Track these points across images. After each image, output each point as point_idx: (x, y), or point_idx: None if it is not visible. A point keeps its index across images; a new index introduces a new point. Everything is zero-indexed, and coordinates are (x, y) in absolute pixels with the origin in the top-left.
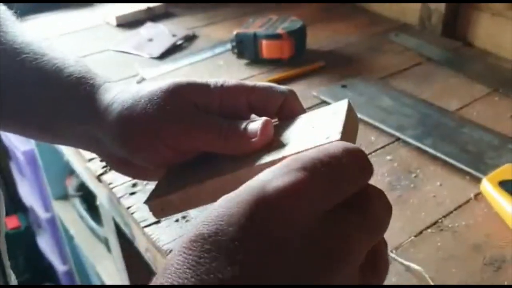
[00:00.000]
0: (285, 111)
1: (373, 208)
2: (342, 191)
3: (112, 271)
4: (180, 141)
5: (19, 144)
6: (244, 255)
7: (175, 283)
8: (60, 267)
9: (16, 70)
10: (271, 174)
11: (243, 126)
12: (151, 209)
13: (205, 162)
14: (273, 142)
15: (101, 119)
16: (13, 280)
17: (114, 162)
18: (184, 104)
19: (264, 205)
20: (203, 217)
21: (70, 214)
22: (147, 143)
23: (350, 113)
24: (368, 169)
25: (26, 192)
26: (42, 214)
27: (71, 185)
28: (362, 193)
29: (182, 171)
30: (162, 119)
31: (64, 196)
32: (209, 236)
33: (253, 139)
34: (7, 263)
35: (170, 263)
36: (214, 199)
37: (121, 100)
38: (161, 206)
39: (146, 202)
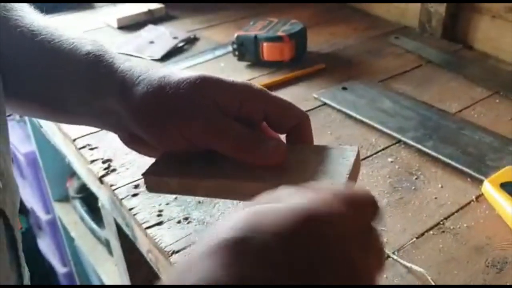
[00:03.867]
0: (296, 133)
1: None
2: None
3: (113, 273)
4: (197, 137)
5: (20, 146)
6: (275, 260)
7: (204, 283)
8: (60, 269)
9: (34, 51)
10: (310, 199)
11: (260, 141)
12: (146, 183)
13: (210, 156)
14: (281, 165)
15: (124, 97)
16: (27, 279)
17: (126, 137)
18: (207, 101)
19: (307, 222)
20: (230, 222)
21: (70, 216)
22: (165, 130)
23: (357, 159)
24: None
25: (27, 194)
26: (42, 216)
27: (71, 186)
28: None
29: (187, 156)
30: (184, 112)
31: (64, 198)
32: (240, 241)
33: (265, 158)
34: (23, 263)
35: (193, 266)
36: (207, 195)
37: (147, 82)
38: (157, 183)
39: (144, 174)
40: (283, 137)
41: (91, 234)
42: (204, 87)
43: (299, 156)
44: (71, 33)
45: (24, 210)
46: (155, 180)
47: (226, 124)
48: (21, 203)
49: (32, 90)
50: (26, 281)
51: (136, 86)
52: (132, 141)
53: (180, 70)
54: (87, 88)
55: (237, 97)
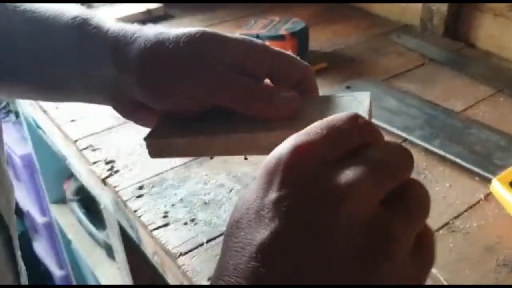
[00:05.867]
0: (302, 86)
1: (413, 196)
2: (343, 143)
3: (112, 275)
4: (205, 93)
5: (16, 148)
6: (270, 220)
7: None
8: (56, 272)
9: (17, 22)
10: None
11: (272, 92)
12: (149, 147)
13: (216, 114)
14: (296, 115)
15: (119, 58)
16: (24, 278)
17: (124, 106)
18: (211, 55)
19: (278, 171)
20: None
21: (68, 218)
22: (168, 88)
23: (370, 103)
24: (367, 126)
25: (22, 197)
26: (39, 218)
27: (69, 189)
28: (402, 185)
29: (189, 117)
30: (189, 67)
31: (61, 200)
32: (240, 219)
33: (278, 109)
34: (20, 262)
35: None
36: (218, 153)
37: (143, 39)
38: (161, 147)
39: (146, 139)
40: None
41: (89, 237)
42: (206, 41)
43: (311, 105)
44: (54, 4)
45: (19, 213)
46: (159, 144)
47: (235, 77)
48: (16, 205)
49: (19, 66)
50: (24, 280)
51: (131, 45)
52: (130, 109)
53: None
54: (78, 53)
55: (241, 50)
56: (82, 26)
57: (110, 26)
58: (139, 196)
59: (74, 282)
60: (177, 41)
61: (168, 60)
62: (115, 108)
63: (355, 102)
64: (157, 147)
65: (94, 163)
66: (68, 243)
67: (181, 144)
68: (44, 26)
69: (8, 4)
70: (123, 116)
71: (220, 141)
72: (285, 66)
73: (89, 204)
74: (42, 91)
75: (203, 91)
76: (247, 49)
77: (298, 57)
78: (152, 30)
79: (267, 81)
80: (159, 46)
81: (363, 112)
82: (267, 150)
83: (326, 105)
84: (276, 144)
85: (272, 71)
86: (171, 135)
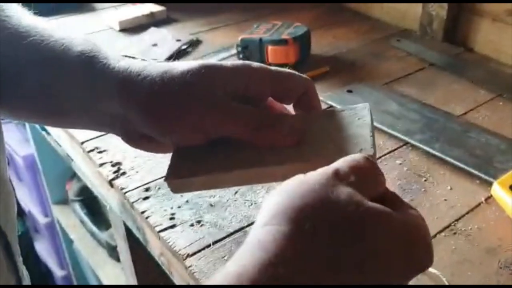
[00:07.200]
0: (304, 101)
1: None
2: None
3: (113, 275)
4: (213, 127)
5: (18, 149)
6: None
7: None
8: (58, 272)
9: (24, 54)
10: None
11: (276, 122)
12: (170, 187)
13: (225, 145)
14: (302, 140)
15: (126, 98)
16: (27, 283)
17: (132, 138)
18: (216, 89)
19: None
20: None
21: (70, 219)
22: (178, 126)
23: (371, 115)
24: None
25: (24, 197)
26: (41, 219)
27: (71, 189)
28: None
29: (200, 151)
30: (197, 104)
31: (64, 201)
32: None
33: (285, 138)
34: (21, 268)
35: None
36: (234, 185)
37: (150, 80)
38: (181, 185)
39: (166, 179)
40: (290, 107)
41: (91, 237)
42: (210, 76)
43: (315, 125)
44: (61, 33)
45: (20, 213)
46: (179, 183)
47: (239, 108)
48: (18, 206)
49: (25, 96)
50: (26, 284)
51: (138, 85)
52: (138, 140)
53: (177, 62)
54: (83, 91)
55: (242, 79)
56: (88, 64)
57: (115, 64)
58: (145, 198)
59: (75, 283)
60: (183, 81)
61: (175, 99)
62: (123, 139)
63: (356, 118)
64: (177, 186)
65: (101, 165)
66: (69, 243)
67: (199, 182)
68: (52, 60)
69: (14, 31)
70: (132, 146)
71: (235, 176)
72: (286, 83)
73: (91, 205)
74: (49, 119)
75: (210, 123)
76: (248, 75)
77: (297, 72)
78: (157, 69)
79: (270, 99)
80: (165, 86)
81: (367, 128)
82: (280, 179)
83: (330, 123)
84: (289, 175)
85: (275, 90)
86: (188, 173)
